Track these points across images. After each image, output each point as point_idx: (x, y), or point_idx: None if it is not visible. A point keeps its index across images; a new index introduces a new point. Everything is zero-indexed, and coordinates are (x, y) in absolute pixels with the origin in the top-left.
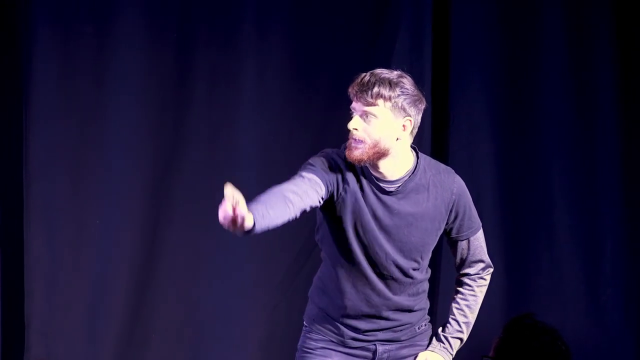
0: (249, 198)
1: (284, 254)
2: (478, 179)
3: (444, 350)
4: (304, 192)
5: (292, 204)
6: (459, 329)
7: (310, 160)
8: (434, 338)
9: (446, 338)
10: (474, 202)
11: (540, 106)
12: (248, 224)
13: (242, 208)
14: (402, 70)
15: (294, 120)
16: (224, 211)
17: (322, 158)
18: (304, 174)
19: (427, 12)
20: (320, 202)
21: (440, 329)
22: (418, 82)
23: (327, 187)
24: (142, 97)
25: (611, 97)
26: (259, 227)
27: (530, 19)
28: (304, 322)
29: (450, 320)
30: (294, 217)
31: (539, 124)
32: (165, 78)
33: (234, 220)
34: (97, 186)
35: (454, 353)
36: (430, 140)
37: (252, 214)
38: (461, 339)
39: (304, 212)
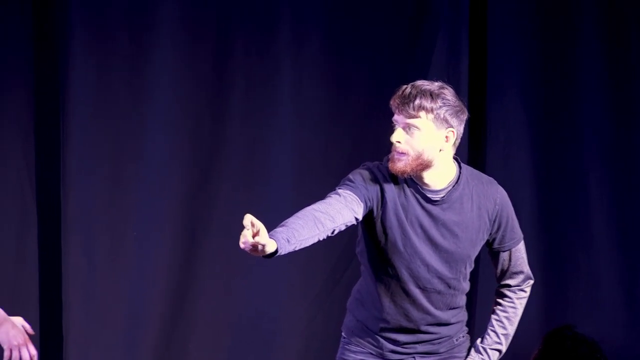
0: (284, 209)
1: (322, 265)
2: (515, 189)
3: None
4: (337, 211)
5: (322, 225)
6: (498, 340)
7: (349, 175)
8: (472, 349)
9: (485, 349)
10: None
11: (578, 116)
12: (270, 249)
13: (263, 236)
14: (443, 81)
15: (330, 131)
16: (244, 239)
17: (362, 172)
18: (340, 191)
19: (464, 23)
20: (356, 220)
21: (479, 340)
22: (457, 93)
23: (366, 203)
24: (179, 105)
25: None
26: (284, 251)
27: (567, 28)
28: (342, 334)
29: (489, 331)
30: (325, 238)
31: (576, 134)
32: (203, 86)
33: (254, 247)
34: (134, 196)
35: None
36: (467, 151)
37: (277, 238)
38: (500, 351)
39: (339, 231)
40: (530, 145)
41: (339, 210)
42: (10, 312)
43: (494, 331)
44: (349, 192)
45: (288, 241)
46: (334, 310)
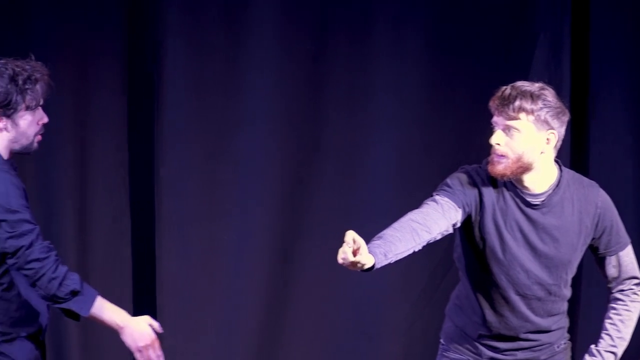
0: (383, 213)
1: (421, 271)
2: (619, 192)
3: None
4: (433, 222)
5: (418, 237)
6: (612, 343)
7: (447, 180)
8: (586, 355)
9: (599, 352)
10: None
11: None
12: (367, 265)
13: (363, 254)
14: (543, 81)
15: (431, 133)
16: (344, 255)
17: (460, 176)
18: (438, 197)
19: (566, 23)
20: (453, 228)
21: (593, 345)
22: (558, 94)
23: (464, 209)
24: (275, 105)
25: None
26: (380, 265)
27: None
28: (441, 340)
29: (603, 335)
30: (422, 248)
31: None
32: (299, 86)
33: (352, 263)
34: (227, 199)
35: None
36: (570, 154)
37: (374, 253)
38: (615, 354)
39: (434, 241)
40: (634, 147)
41: (436, 221)
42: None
43: (608, 334)
44: (446, 198)
45: (385, 256)
46: (434, 316)
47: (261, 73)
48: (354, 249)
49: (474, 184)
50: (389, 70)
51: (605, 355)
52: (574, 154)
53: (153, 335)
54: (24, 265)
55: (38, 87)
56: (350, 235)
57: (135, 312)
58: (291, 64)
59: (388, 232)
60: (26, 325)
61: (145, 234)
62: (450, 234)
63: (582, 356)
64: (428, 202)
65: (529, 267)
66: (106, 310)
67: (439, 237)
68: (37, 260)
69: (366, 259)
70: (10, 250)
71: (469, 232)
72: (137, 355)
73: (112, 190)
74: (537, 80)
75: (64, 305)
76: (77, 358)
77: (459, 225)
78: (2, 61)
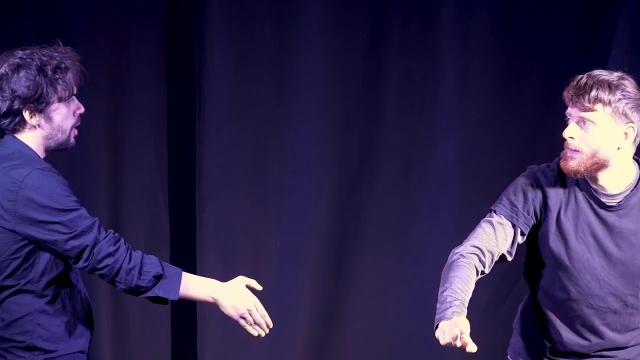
0: (446, 217)
1: (487, 281)
2: None
3: None
4: (495, 245)
5: (483, 266)
6: None
7: (511, 192)
8: None
9: None
10: None
11: None
12: (474, 350)
13: (470, 344)
14: (623, 71)
15: (499, 128)
16: (449, 340)
17: (524, 185)
18: (494, 220)
19: None
20: (513, 250)
21: None
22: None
23: (527, 223)
24: (328, 102)
25: None
26: None
27: None
28: (508, 356)
29: None
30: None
31: None
32: (353, 83)
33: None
34: (276, 204)
35: None
36: None
37: (461, 312)
38: None
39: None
40: None
41: (496, 244)
42: (144, 333)
43: None
44: (503, 219)
45: (463, 304)
46: (500, 330)
47: (313, 65)
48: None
49: (538, 188)
50: (452, 61)
51: None
52: None
53: (253, 298)
54: (97, 265)
55: (70, 75)
56: (465, 328)
57: (174, 330)
58: (346, 55)
59: (455, 282)
60: (70, 342)
61: (186, 242)
62: None
63: None
64: (483, 227)
65: (602, 275)
66: (195, 287)
67: (497, 258)
68: (109, 255)
69: (472, 347)
70: (74, 253)
71: (533, 239)
72: (241, 322)
73: (151, 197)
74: (616, 70)
75: (150, 294)
76: None
77: (513, 253)
78: (27, 51)
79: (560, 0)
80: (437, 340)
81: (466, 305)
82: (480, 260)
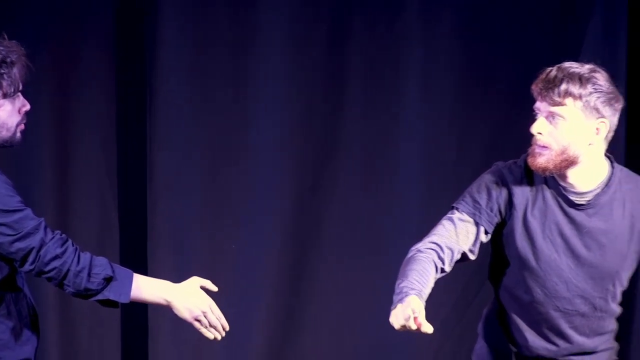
0: (411, 216)
1: (452, 285)
2: None
3: None
4: (456, 242)
5: (442, 264)
6: None
7: (474, 190)
8: None
9: None
10: None
11: None
12: (430, 331)
13: (424, 324)
14: (595, 63)
15: (463, 127)
16: (402, 323)
17: (488, 183)
18: (455, 217)
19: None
20: (475, 248)
21: None
22: (612, 78)
23: (491, 221)
24: (289, 96)
25: None
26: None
27: None
28: None
29: None
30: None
31: None
32: (316, 74)
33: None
34: (233, 204)
35: None
36: (625, 147)
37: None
38: None
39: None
40: None
41: (457, 241)
42: (93, 338)
43: None
44: (466, 216)
45: (422, 296)
46: (465, 335)
47: (271, 63)
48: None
49: (503, 184)
50: (416, 50)
51: None
52: (629, 150)
53: (208, 299)
54: (44, 267)
55: (15, 70)
56: (417, 308)
57: (124, 336)
58: (306, 47)
59: (413, 275)
60: (15, 349)
61: (137, 243)
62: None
63: None
64: (444, 224)
65: (570, 276)
66: (147, 289)
67: (459, 256)
68: (56, 257)
69: (427, 327)
70: (20, 256)
71: (497, 238)
72: (196, 325)
73: (99, 195)
74: (588, 62)
75: (99, 297)
76: None
77: (476, 252)
78: None
79: None
80: (404, 349)
81: (424, 297)
82: (439, 257)
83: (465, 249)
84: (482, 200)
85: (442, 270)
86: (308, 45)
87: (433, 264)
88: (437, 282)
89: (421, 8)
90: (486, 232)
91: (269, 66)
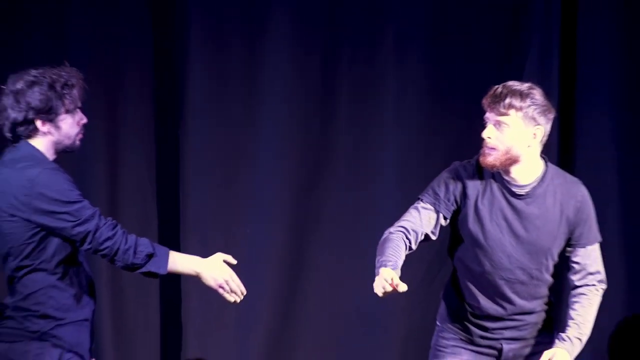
0: (389, 206)
1: (419, 264)
2: (602, 193)
3: (567, 348)
4: (420, 225)
5: (409, 242)
6: (579, 330)
7: (435, 185)
8: (556, 340)
9: (568, 337)
10: (599, 214)
11: None
12: (404, 289)
13: (400, 285)
14: (533, 82)
15: (431, 135)
16: (382, 289)
17: (447, 178)
18: (419, 206)
19: (555, 32)
20: (436, 230)
21: (561, 332)
22: (546, 94)
23: (448, 209)
24: (290, 111)
25: None
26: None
27: None
28: (437, 322)
29: (570, 323)
30: (414, 249)
31: None
32: (312, 93)
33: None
34: (246, 195)
35: (575, 352)
36: (557, 156)
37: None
38: (581, 340)
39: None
40: (618, 150)
41: (422, 225)
42: (138, 304)
43: (575, 323)
44: (429, 205)
45: (397, 267)
46: (431, 303)
47: (277, 80)
48: (390, 283)
49: (459, 180)
50: (392, 75)
51: (574, 340)
52: (562, 157)
53: (229, 270)
54: (99, 247)
55: (75, 91)
56: (390, 275)
57: (162, 299)
58: (304, 72)
59: (388, 251)
60: (77, 311)
61: (172, 230)
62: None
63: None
64: (412, 212)
65: (511, 252)
66: (181, 262)
67: (423, 237)
68: (108, 239)
69: (402, 287)
70: (79, 237)
71: (454, 223)
72: (220, 291)
73: (141, 190)
74: (528, 81)
75: (143, 270)
76: (109, 340)
77: (443, 224)
78: (40, 71)
79: (482, 29)
80: (382, 316)
81: (399, 266)
82: (407, 237)
83: (428, 231)
84: (441, 192)
85: (410, 248)
86: (304, 72)
87: (403, 242)
88: (408, 262)
89: (396, 42)
90: (445, 218)
91: (274, 90)
